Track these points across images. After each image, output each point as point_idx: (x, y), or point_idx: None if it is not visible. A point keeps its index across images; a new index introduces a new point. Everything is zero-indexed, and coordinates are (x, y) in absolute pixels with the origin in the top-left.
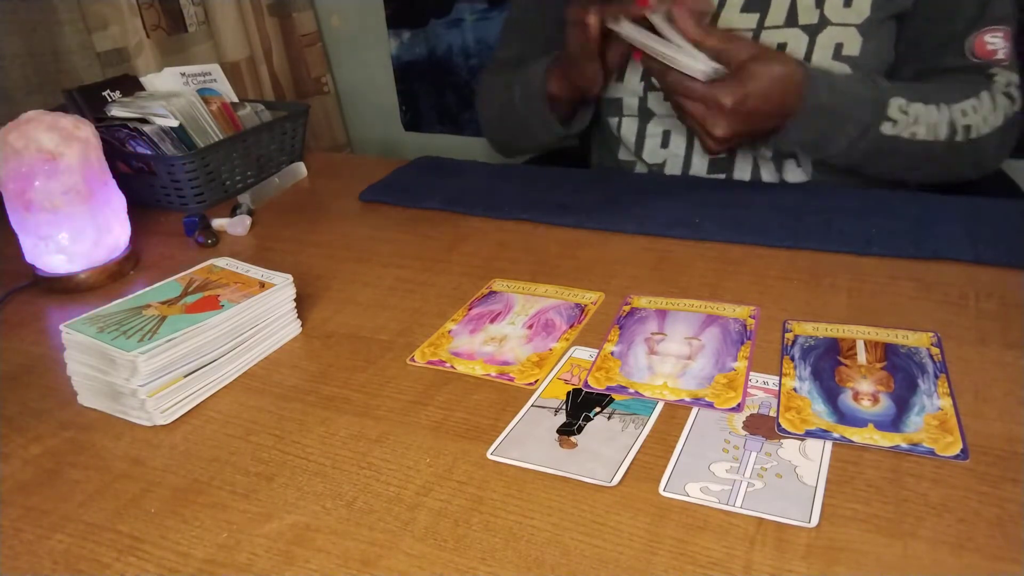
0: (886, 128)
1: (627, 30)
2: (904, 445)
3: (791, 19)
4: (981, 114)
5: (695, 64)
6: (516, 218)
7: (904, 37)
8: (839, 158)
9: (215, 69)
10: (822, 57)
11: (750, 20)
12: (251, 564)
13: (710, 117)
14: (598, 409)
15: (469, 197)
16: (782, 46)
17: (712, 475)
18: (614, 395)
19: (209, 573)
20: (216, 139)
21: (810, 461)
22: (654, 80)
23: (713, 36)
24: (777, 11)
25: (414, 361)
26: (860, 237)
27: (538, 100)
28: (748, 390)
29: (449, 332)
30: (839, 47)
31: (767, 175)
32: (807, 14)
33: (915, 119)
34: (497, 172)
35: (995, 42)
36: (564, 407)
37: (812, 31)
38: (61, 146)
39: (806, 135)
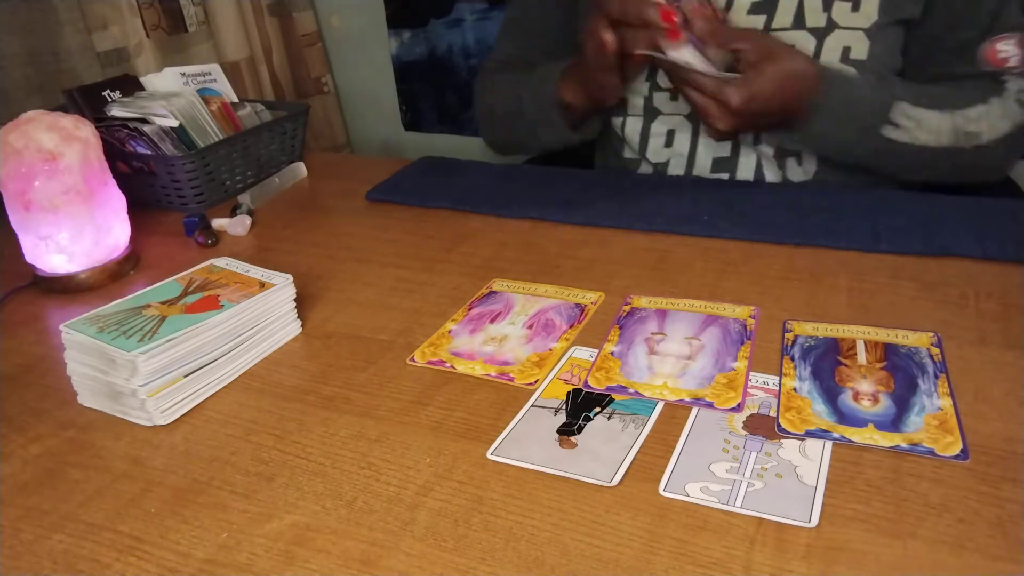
0: (887, 131)
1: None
2: (904, 445)
3: (798, 22)
4: (988, 121)
5: (711, 68)
6: (525, 216)
7: (914, 44)
8: (838, 155)
9: (215, 69)
10: (829, 60)
11: (757, 22)
12: (251, 564)
13: (716, 113)
14: (598, 409)
15: (475, 197)
16: None
17: (712, 475)
18: (614, 395)
19: (209, 573)
20: (216, 139)
21: (810, 461)
22: (659, 81)
23: (728, 34)
24: (784, 13)
25: (414, 361)
26: (868, 234)
27: (550, 107)
28: (748, 390)
29: (449, 332)
30: (846, 51)
31: (770, 174)
32: (814, 17)
33: (918, 124)
34: (502, 172)
35: (1007, 50)
36: (564, 407)
37: (820, 34)
38: (61, 146)
39: (816, 135)
